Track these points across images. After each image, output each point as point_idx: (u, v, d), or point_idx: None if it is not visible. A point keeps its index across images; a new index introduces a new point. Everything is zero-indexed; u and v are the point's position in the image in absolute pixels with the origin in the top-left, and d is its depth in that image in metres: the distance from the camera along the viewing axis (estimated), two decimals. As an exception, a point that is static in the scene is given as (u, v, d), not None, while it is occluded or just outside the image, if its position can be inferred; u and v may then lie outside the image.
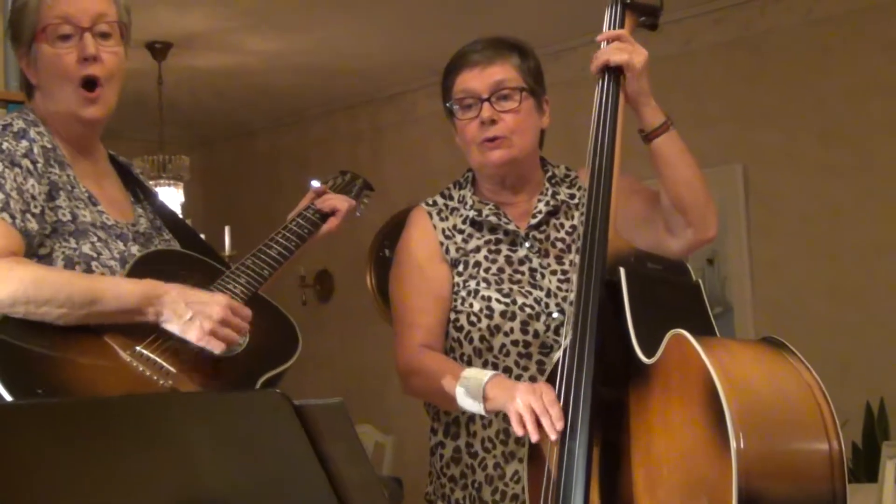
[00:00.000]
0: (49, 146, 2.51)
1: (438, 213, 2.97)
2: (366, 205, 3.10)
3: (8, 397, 2.15)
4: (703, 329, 2.42)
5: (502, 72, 2.87)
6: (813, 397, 2.25)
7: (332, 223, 2.90)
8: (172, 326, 2.38)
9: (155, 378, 2.31)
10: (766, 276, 6.29)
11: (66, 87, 2.53)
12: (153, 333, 2.38)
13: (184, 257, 2.68)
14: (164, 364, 2.34)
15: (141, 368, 2.32)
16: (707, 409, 2.19)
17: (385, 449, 6.66)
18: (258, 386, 2.43)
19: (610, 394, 2.45)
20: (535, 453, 2.59)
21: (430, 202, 3.00)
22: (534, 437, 2.50)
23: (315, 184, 2.99)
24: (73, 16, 2.51)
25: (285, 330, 2.62)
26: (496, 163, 2.87)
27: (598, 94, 2.70)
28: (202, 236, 2.98)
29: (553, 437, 2.46)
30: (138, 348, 2.36)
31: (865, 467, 5.39)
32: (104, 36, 2.54)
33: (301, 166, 8.30)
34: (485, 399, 2.65)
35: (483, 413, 2.69)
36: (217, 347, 2.39)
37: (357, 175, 3.12)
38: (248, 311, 2.46)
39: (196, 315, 2.37)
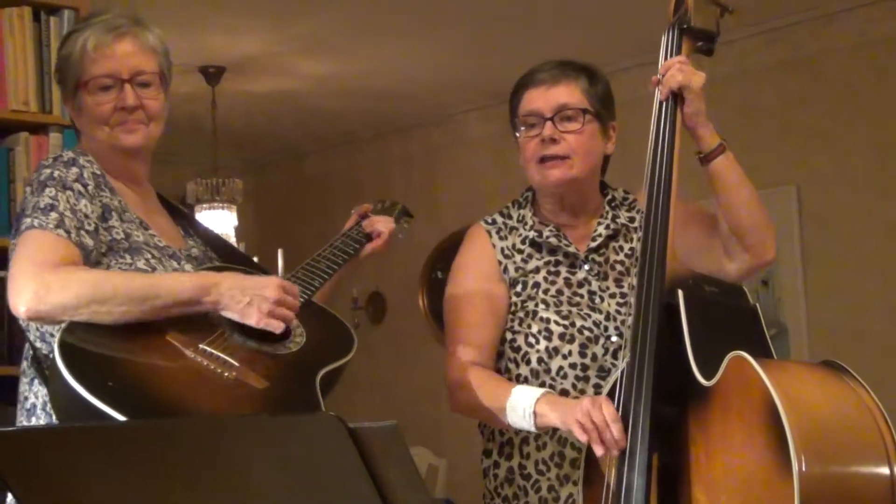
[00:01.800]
0: (98, 173, 2.59)
1: (498, 232, 2.97)
2: (406, 230, 3.18)
3: (85, 394, 2.18)
4: (761, 352, 2.40)
5: (567, 93, 2.88)
6: (874, 421, 2.23)
7: (376, 243, 2.99)
8: (231, 312, 2.45)
9: (219, 371, 2.36)
10: (820, 298, 6.24)
11: (104, 130, 2.62)
12: (215, 331, 2.44)
13: (236, 272, 2.73)
14: (228, 358, 2.39)
15: (206, 363, 2.37)
16: (768, 431, 2.17)
17: (438, 471, 6.66)
18: (318, 379, 2.46)
19: (668, 416, 2.44)
20: (591, 477, 2.58)
21: (490, 220, 3.00)
22: (598, 450, 2.48)
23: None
24: (114, 70, 2.60)
25: (340, 330, 2.70)
26: (554, 182, 2.87)
27: (655, 118, 2.70)
28: (255, 259, 3.03)
29: (614, 452, 2.44)
30: (201, 345, 2.40)
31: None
32: (144, 86, 2.63)
33: (353, 189, 8.32)
34: (535, 415, 2.64)
35: (533, 430, 2.68)
36: (277, 328, 2.46)
37: (396, 202, 3.22)
38: (295, 288, 2.55)
39: (253, 299, 2.44)
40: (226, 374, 2.36)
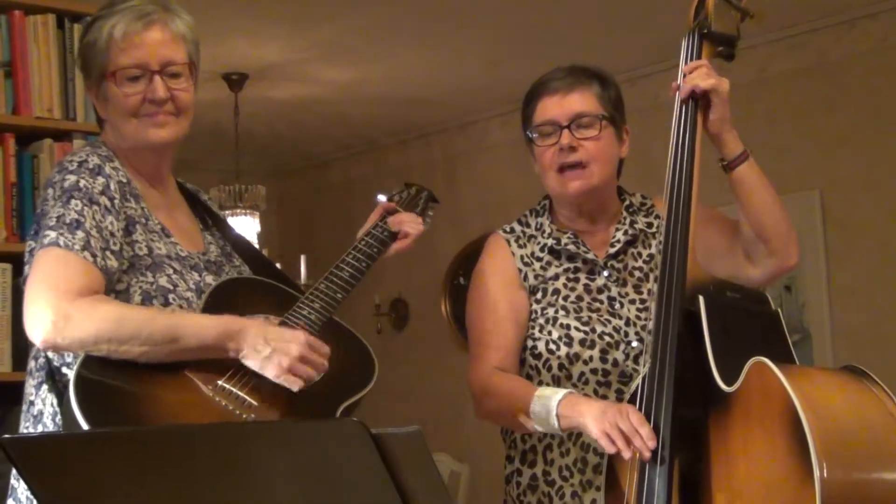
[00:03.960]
0: (124, 181, 2.52)
1: (517, 241, 2.97)
2: (432, 217, 3.05)
3: None
4: (783, 358, 2.40)
5: (582, 100, 2.87)
6: (896, 427, 2.22)
7: (402, 244, 2.86)
8: (251, 362, 2.39)
9: (237, 412, 2.33)
10: (844, 303, 6.22)
11: (132, 122, 2.54)
12: (233, 367, 2.39)
13: (257, 284, 2.70)
14: (246, 398, 2.36)
15: (223, 402, 2.34)
16: (790, 437, 2.17)
17: (460, 477, 6.65)
18: (338, 415, 2.43)
19: (689, 422, 2.43)
20: (613, 482, 2.57)
21: (508, 229, 3.00)
22: (626, 454, 2.47)
23: (381, 198, 2.99)
24: (143, 61, 2.52)
25: (361, 356, 2.63)
26: (575, 193, 2.87)
27: (675, 123, 2.68)
28: (277, 265, 2.99)
29: (646, 455, 2.43)
30: (220, 382, 2.37)
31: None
32: (174, 76, 2.55)
33: (375, 196, 8.31)
34: (559, 417, 2.63)
35: (558, 432, 2.68)
36: (295, 385, 2.39)
37: (422, 187, 3.09)
38: (326, 349, 2.46)
39: (275, 352, 2.37)
40: (244, 415, 2.33)
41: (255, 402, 2.35)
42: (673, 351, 2.46)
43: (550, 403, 2.64)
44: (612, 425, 2.49)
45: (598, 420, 2.53)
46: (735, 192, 2.75)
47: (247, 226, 7.07)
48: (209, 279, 2.59)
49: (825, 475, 2.10)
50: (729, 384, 2.34)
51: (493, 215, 5.31)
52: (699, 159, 2.64)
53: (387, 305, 8.48)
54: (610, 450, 2.50)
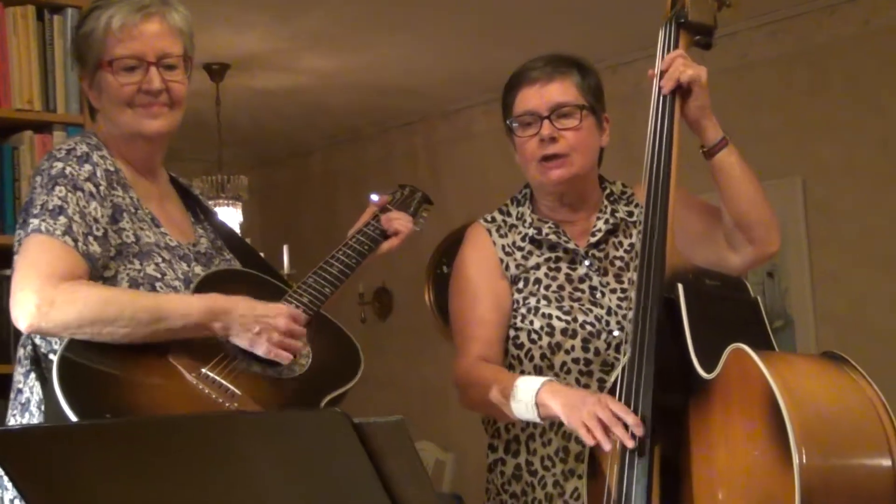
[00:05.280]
0: (112, 169, 2.54)
1: (497, 230, 2.97)
2: (425, 219, 3.08)
3: (74, 419, 2.17)
4: (762, 345, 2.40)
5: (562, 90, 2.87)
6: (875, 413, 2.23)
7: (392, 242, 2.89)
8: (240, 340, 2.41)
9: (220, 400, 2.33)
10: (826, 289, 6.24)
11: (127, 112, 2.56)
12: (218, 355, 2.40)
13: (246, 276, 2.70)
14: (230, 386, 2.36)
15: (206, 391, 2.34)
16: (768, 423, 2.17)
17: (445, 466, 6.67)
18: (321, 406, 2.43)
19: (669, 410, 2.43)
20: (595, 470, 2.58)
21: (489, 219, 3.00)
22: (606, 446, 2.47)
23: (374, 198, 2.99)
24: (140, 52, 2.54)
25: (347, 350, 2.64)
26: (555, 181, 2.87)
27: (653, 111, 2.68)
28: (262, 255, 3.00)
29: (629, 444, 2.43)
30: (204, 370, 2.37)
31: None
32: (169, 68, 2.57)
33: (358, 185, 8.32)
34: (538, 406, 2.64)
35: (538, 420, 2.68)
36: (286, 359, 2.42)
37: (416, 189, 3.10)
38: (304, 317, 2.50)
39: (263, 329, 2.40)
40: (226, 403, 2.33)
41: (238, 392, 2.36)
42: (652, 339, 2.46)
43: (530, 392, 2.64)
44: (591, 415, 2.48)
45: (576, 410, 2.53)
46: (715, 179, 2.75)
47: (229, 216, 7.06)
48: (198, 269, 2.59)
49: (804, 461, 2.11)
50: (708, 371, 2.34)
51: (477, 204, 5.31)
52: (678, 147, 2.64)
53: (371, 294, 8.49)
54: (589, 442, 2.50)
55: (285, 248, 7.03)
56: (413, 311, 8.30)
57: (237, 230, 6.93)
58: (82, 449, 1.71)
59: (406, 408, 7.67)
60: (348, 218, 3.02)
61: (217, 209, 6.88)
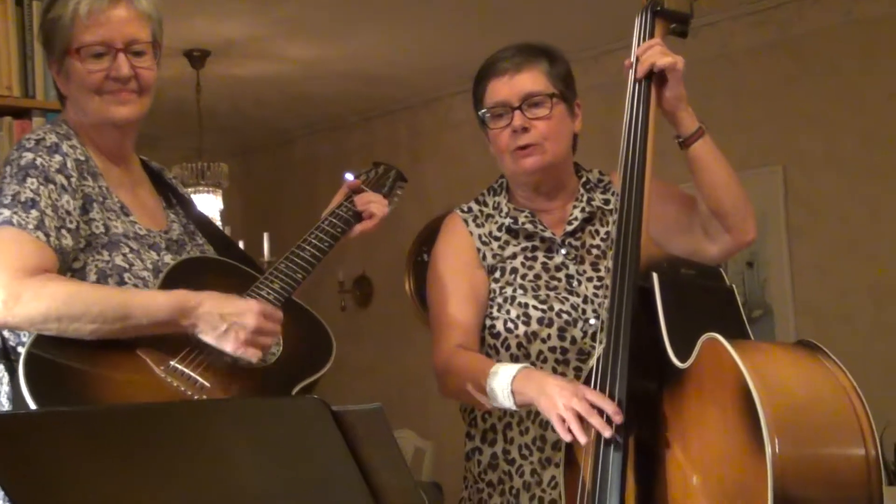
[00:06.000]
0: (82, 158, 2.52)
1: (474, 220, 2.97)
2: (400, 197, 3.03)
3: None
4: (737, 334, 2.40)
5: (531, 79, 2.87)
6: (849, 400, 2.23)
7: (366, 225, 2.84)
8: (208, 338, 2.39)
9: (189, 393, 2.32)
10: (806, 279, 6.26)
11: (95, 99, 2.54)
12: (186, 347, 2.39)
13: (217, 264, 2.69)
14: (199, 378, 2.35)
15: (175, 384, 2.33)
16: (742, 413, 2.17)
17: (425, 454, 6.67)
18: (293, 395, 2.42)
19: (644, 399, 2.43)
20: (572, 458, 2.58)
21: (465, 208, 3.01)
22: (582, 440, 2.46)
23: (349, 177, 2.95)
24: (108, 38, 2.52)
25: (319, 337, 2.61)
26: (530, 170, 2.87)
27: (629, 100, 2.68)
28: (240, 243, 2.99)
29: (608, 434, 2.42)
30: (172, 363, 2.36)
31: (908, 470, 5.36)
32: (137, 55, 2.55)
33: (339, 173, 8.25)
34: (513, 393, 2.63)
35: (514, 408, 2.67)
36: (254, 356, 2.40)
37: (390, 166, 3.06)
38: (279, 314, 2.47)
39: (231, 326, 2.38)
40: (195, 395, 2.32)
41: (207, 384, 2.35)
42: (627, 328, 2.46)
43: (506, 379, 2.64)
44: (567, 408, 2.47)
45: (552, 400, 2.52)
46: (691, 169, 2.76)
47: (209, 203, 7.05)
48: (167, 258, 2.57)
49: (776, 450, 2.11)
50: (683, 360, 2.34)
51: (458, 192, 5.31)
52: (653, 136, 2.64)
53: (350, 283, 8.49)
54: (565, 437, 2.49)
55: (266, 236, 7.03)
56: (393, 299, 8.31)
57: (218, 217, 6.97)
58: (59, 436, 1.71)
59: (386, 396, 7.67)
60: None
61: (197, 196, 6.89)
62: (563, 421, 2.48)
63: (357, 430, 1.69)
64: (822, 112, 6.19)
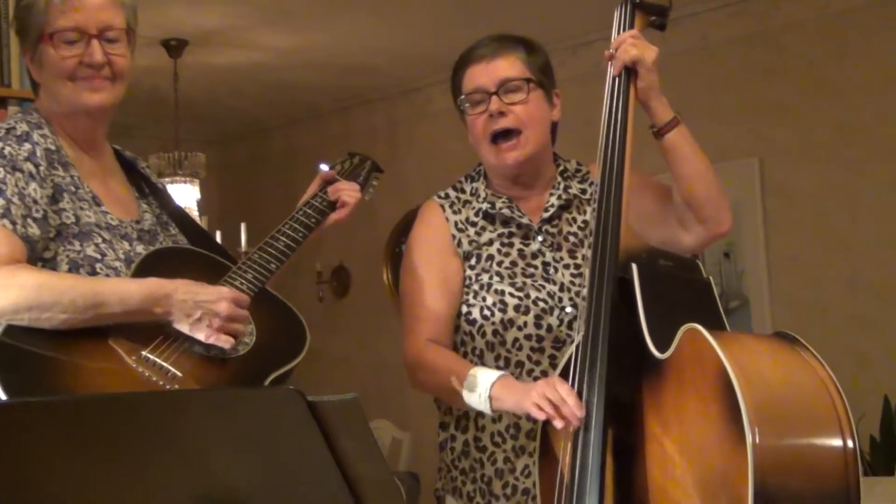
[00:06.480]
0: (53, 148, 2.50)
1: (451, 206, 2.97)
2: (375, 188, 3.03)
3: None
4: (714, 325, 2.40)
5: (508, 65, 2.88)
6: (827, 392, 2.24)
7: (340, 213, 2.83)
8: (181, 325, 2.38)
9: (161, 383, 2.31)
10: (782, 270, 6.27)
11: (68, 86, 2.53)
12: (159, 336, 2.38)
13: (189, 254, 2.67)
14: (171, 368, 2.33)
15: (147, 373, 2.31)
16: (722, 403, 2.18)
17: (402, 445, 6.67)
18: (266, 385, 2.41)
19: (623, 390, 2.44)
20: (547, 449, 2.59)
21: (443, 195, 3.01)
22: (557, 424, 2.48)
23: (323, 168, 2.95)
24: (81, 24, 2.50)
25: (292, 327, 2.60)
26: (511, 165, 2.88)
27: (608, 91, 2.70)
28: (217, 233, 2.97)
29: (575, 423, 2.45)
30: (144, 353, 2.35)
31: (884, 461, 5.38)
32: (111, 41, 2.54)
33: (317, 163, 8.27)
34: (491, 399, 2.65)
35: (489, 412, 2.69)
36: (226, 344, 2.39)
37: (366, 157, 3.05)
38: (247, 299, 2.46)
39: (204, 314, 2.37)
40: (166, 385, 2.30)
41: (179, 373, 2.33)
42: (607, 318, 2.47)
43: (485, 384, 2.66)
44: (541, 395, 2.50)
45: (526, 396, 2.55)
46: (666, 159, 2.77)
47: (186, 193, 7.02)
48: (139, 248, 2.55)
49: (757, 440, 2.12)
50: (662, 351, 2.35)
51: (436, 182, 5.29)
52: (632, 127, 2.65)
53: (328, 273, 8.47)
54: (539, 416, 2.51)
55: (243, 226, 7.01)
56: (371, 289, 8.29)
57: (195, 207, 6.94)
58: (23, 427, 1.69)
59: (363, 386, 7.66)
60: (308, 196, 2.99)
61: (174, 186, 6.86)
62: (539, 407, 2.50)
63: (333, 421, 1.69)
64: (798, 104, 6.21)
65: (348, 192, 2.85)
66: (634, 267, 2.48)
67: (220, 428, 1.73)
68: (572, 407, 2.46)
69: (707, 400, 2.24)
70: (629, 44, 2.69)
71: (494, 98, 2.85)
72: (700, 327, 2.28)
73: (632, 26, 2.74)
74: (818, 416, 2.22)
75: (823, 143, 6.11)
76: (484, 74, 2.88)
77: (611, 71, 2.71)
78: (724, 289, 6.31)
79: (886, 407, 5.55)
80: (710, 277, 2.62)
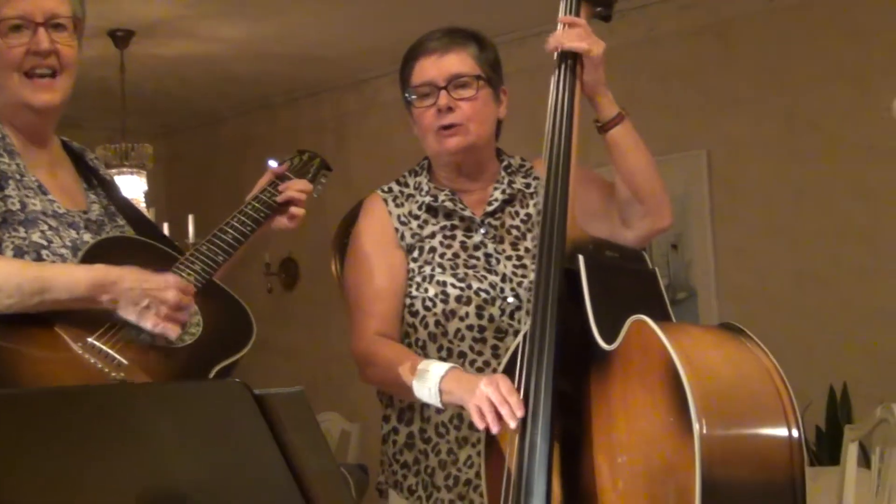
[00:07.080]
0: None
1: (394, 200, 2.97)
2: (323, 185, 3.04)
3: None
4: (660, 316, 2.41)
5: (458, 60, 2.88)
6: (772, 382, 2.25)
7: (290, 223, 2.85)
8: (128, 313, 2.36)
9: (106, 370, 2.29)
10: (730, 262, 6.31)
11: (14, 77, 2.51)
12: (105, 323, 2.36)
13: (137, 244, 2.65)
14: (116, 356, 2.32)
15: (92, 360, 2.30)
16: (669, 393, 2.19)
17: (351, 437, 6.65)
18: (212, 376, 2.41)
19: (569, 382, 2.44)
20: (493, 441, 2.59)
21: (386, 189, 3.01)
22: (494, 429, 2.49)
23: (272, 164, 2.94)
24: (27, 12, 2.49)
25: (239, 318, 2.59)
26: (452, 150, 2.88)
27: (554, 83, 2.70)
28: (165, 225, 2.96)
29: (513, 425, 2.45)
30: (90, 340, 2.33)
31: (829, 450, 5.43)
32: (58, 28, 2.52)
33: (267, 154, 8.15)
34: (441, 392, 2.65)
35: (440, 406, 2.69)
36: (174, 333, 2.38)
37: (315, 154, 3.05)
38: (192, 288, 2.46)
39: (152, 302, 2.36)
40: (112, 373, 2.29)
41: (125, 361, 2.32)
42: (554, 309, 2.47)
43: (434, 378, 2.66)
44: (482, 398, 2.49)
45: (471, 395, 2.54)
46: (610, 154, 2.79)
47: (133, 185, 6.99)
48: (87, 237, 2.54)
49: (704, 431, 2.13)
50: (609, 342, 2.36)
51: (383, 174, 5.28)
52: (578, 119, 2.66)
53: (277, 265, 8.45)
54: (480, 425, 2.51)
55: (191, 218, 6.97)
56: (319, 281, 8.27)
57: (142, 199, 6.90)
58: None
59: (312, 378, 7.65)
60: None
61: (121, 178, 6.81)
62: (480, 412, 2.50)
63: (279, 414, 1.68)
64: (747, 96, 6.24)
65: (299, 188, 2.85)
66: (581, 258, 2.49)
67: (166, 420, 1.72)
68: (513, 407, 2.45)
69: (654, 391, 2.24)
70: (576, 34, 2.69)
71: (443, 93, 2.86)
72: (647, 319, 2.28)
73: (577, 16, 2.74)
74: (764, 406, 2.24)
75: (772, 135, 6.14)
76: (434, 68, 2.88)
77: (556, 62, 2.70)
78: (671, 280, 6.34)
79: (832, 397, 5.60)
80: (657, 268, 2.64)
